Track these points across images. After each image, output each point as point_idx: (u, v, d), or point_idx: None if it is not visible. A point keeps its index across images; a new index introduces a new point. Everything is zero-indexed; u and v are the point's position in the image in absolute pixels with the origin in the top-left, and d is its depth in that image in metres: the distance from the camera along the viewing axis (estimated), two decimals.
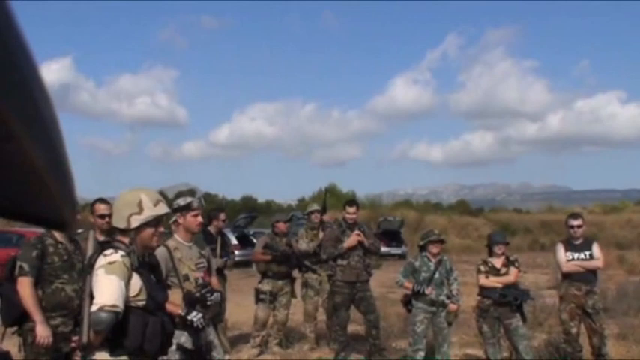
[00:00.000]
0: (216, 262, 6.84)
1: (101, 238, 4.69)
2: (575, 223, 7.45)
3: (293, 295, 8.72)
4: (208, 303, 4.77)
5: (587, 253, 7.34)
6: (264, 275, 8.59)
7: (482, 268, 7.19)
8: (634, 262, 19.02)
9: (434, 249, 7.35)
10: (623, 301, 11.30)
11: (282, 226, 8.69)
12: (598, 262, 7.38)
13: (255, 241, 14.74)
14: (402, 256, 24.55)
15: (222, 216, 8.27)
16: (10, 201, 0.75)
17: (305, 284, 9.09)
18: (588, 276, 7.31)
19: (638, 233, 26.26)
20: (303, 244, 8.92)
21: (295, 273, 8.91)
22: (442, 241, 7.59)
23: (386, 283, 13.76)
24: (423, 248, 7.49)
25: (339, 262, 8.00)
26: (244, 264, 17.33)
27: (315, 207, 9.47)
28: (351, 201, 8.78)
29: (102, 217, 5.47)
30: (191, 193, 34.65)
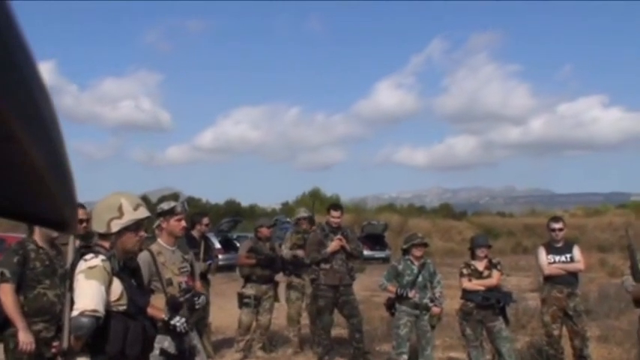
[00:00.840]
0: (200, 266, 6.82)
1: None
2: (557, 226, 7.52)
3: (276, 299, 8.72)
4: (197, 307, 4.76)
5: (569, 255, 7.40)
6: (247, 279, 8.57)
7: (465, 271, 7.22)
8: (615, 265, 19.16)
9: (417, 252, 7.37)
10: (604, 303, 11.38)
11: (265, 231, 8.67)
12: (579, 264, 7.44)
13: (238, 245, 14.69)
14: (385, 260, 24.58)
15: (205, 220, 8.23)
16: (10, 201, 0.74)
17: (289, 287, 9.09)
18: (570, 279, 7.36)
19: (620, 236, 26.44)
20: (284, 250, 8.93)
21: (279, 277, 8.91)
22: (425, 245, 7.61)
23: (369, 286, 13.76)
24: (406, 252, 7.50)
25: (322, 266, 8.00)
26: (227, 268, 17.29)
27: (303, 213, 9.48)
28: (335, 205, 8.78)
29: (80, 221, 5.42)
30: (174, 197, 34.50)
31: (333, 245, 7.95)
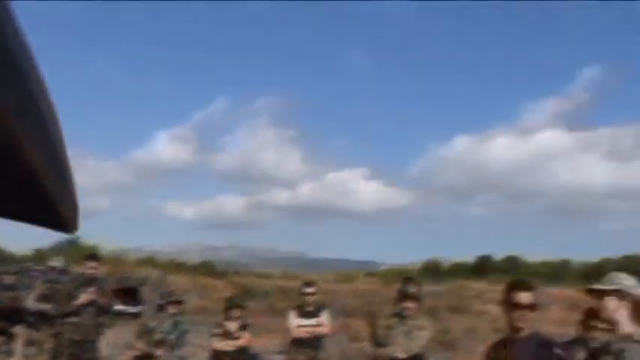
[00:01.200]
0: None
1: None
2: (309, 290, 7.86)
3: (12, 354, 8.07)
4: None
5: (317, 319, 7.74)
6: None
7: (216, 331, 7.24)
8: (358, 330, 20.29)
9: (172, 309, 7.28)
10: None
11: (7, 278, 8.07)
12: (325, 328, 7.80)
13: None
14: (136, 316, 23.82)
15: None
16: (10, 201, 0.74)
17: (28, 342, 8.47)
18: (315, 342, 7.68)
19: (365, 302, 28.11)
20: (30, 302, 8.34)
21: (18, 329, 8.27)
22: (180, 302, 7.54)
23: (118, 343, 13.22)
24: (161, 308, 7.38)
25: (70, 319, 7.58)
26: None
27: (55, 263, 8.97)
28: (92, 255, 8.42)
29: None
30: None
31: (83, 297, 7.58)
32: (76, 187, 0.82)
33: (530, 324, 4.18)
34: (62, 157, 0.76)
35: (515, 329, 4.18)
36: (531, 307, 4.13)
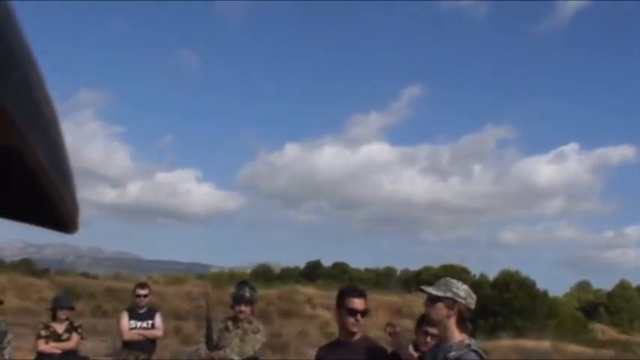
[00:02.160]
0: None
1: None
2: (142, 292, 7.69)
3: None
4: None
5: (150, 322, 7.60)
6: None
7: (43, 332, 6.92)
8: (189, 333, 20.11)
9: None
10: None
11: None
12: (158, 331, 7.68)
13: None
14: None
15: None
16: (10, 201, 0.72)
17: None
18: (148, 345, 7.54)
19: (196, 305, 27.92)
20: None
21: None
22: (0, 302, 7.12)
23: None
24: None
25: None
26: None
27: None
28: None
29: None
30: None
31: None
32: (76, 187, 0.82)
33: (362, 329, 4.41)
34: (62, 157, 0.76)
35: (349, 333, 4.38)
36: (364, 312, 4.36)
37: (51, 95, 0.75)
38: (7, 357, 6.86)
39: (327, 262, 57.77)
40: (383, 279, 52.90)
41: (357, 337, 4.37)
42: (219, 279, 41.82)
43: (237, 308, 6.58)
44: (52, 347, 6.85)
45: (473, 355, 3.73)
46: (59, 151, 0.77)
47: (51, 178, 0.75)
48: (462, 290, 3.89)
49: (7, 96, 0.66)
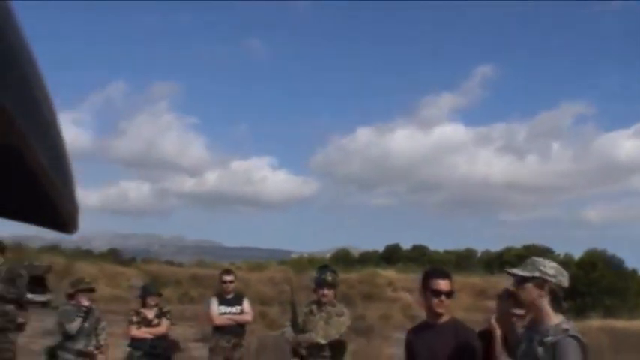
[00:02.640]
0: None
1: None
2: (228, 278, 7.82)
3: None
4: None
5: (239, 307, 7.72)
6: None
7: (134, 318, 7.12)
8: (274, 318, 20.39)
9: (83, 298, 7.08)
10: (262, 354, 12.01)
11: None
12: (247, 316, 7.81)
13: None
14: (45, 304, 23.07)
15: None
16: (10, 201, 0.73)
17: None
18: (237, 329, 7.67)
19: (279, 291, 28.25)
20: None
21: None
22: (92, 290, 7.35)
23: (27, 332, 12.79)
24: (71, 296, 7.16)
25: None
26: None
27: None
28: None
29: None
30: None
31: None
32: (76, 187, 0.81)
33: (448, 310, 4.35)
34: (62, 157, 0.76)
35: (435, 315, 4.33)
36: (449, 293, 4.30)
37: (51, 95, 0.73)
38: (102, 342, 7.09)
39: (405, 246, 57.52)
40: (463, 260, 52.28)
41: (445, 318, 4.32)
42: (300, 264, 42.17)
43: (320, 292, 6.61)
44: (143, 332, 7.05)
45: (571, 341, 3.57)
46: (59, 151, 0.77)
47: (51, 178, 0.74)
48: (550, 268, 3.74)
49: (7, 96, 0.64)
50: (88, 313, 7.04)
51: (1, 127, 0.64)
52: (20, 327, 7.71)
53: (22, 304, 7.74)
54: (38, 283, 25.54)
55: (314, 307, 6.65)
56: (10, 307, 7.48)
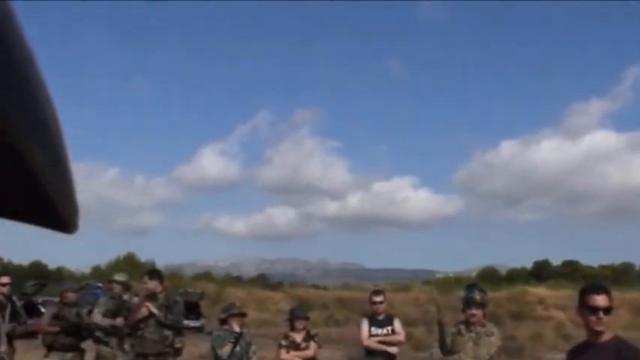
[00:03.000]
0: (5, 327, 6.37)
1: None
2: (378, 299, 7.78)
3: None
4: None
5: (390, 328, 7.67)
6: (50, 348, 8.03)
7: (283, 342, 7.24)
8: (420, 339, 20.11)
9: (235, 322, 7.29)
10: None
11: (71, 295, 8.23)
12: (400, 336, 7.74)
13: (43, 310, 13.74)
14: (199, 329, 24.05)
15: (4, 279, 7.76)
16: (10, 201, 0.73)
17: (98, 357, 8.59)
18: (388, 354, 7.60)
19: (424, 311, 27.88)
20: (98, 317, 8.45)
21: (87, 345, 8.41)
22: (243, 315, 7.55)
23: (184, 357, 13.35)
24: (223, 321, 7.40)
25: (137, 333, 7.68)
26: (30, 335, 16.02)
27: (118, 277, 9.06)
28: (151, 271, 8.51)
29: None
30: None
31: (141, 311, 7.65)
32: (76, 187, 0.80)
33: (609, 327, 4.09)
34: (62, 157, 0.76)
35: (594, 333, 4.08)
36: (607, 310, 4.04)
37: (51, 95, 0.72)
38: None
39: (555, 261, 55.18)
40: (620, 275, 49.45)
41: (606, 337, 4.06)
42: (446, 284, 41.48)
43: (469, 312, 6.43)
44: (293, 356, 7.16)
45: None
46: (59, 151, 0.76)
47: (51, 178, 0.73)
48: None
49: (7, 96, 0.64)
50: (238, 338, 7.24)
51: (1, 127, 0.64)
52: (178, 352, 8.06)
53: (179, 330, 8.09)
54: (192, 309, 26.71)
55: (462, 327, 6.48)
56: (168, 332, 7.84)
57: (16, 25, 0.65)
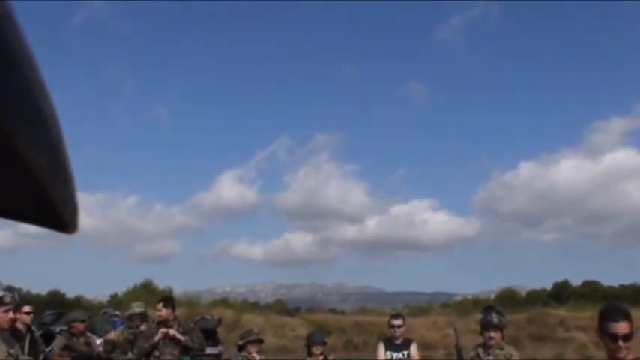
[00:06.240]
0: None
1: None
2: (397, 322, 7.75)
3: None
4: None
5: (406, 352, 7.63)
6: None
7: None
8: None
9: (252, 349, 7.29)
10: None
11: (79, 326, 8.28)
12: None
13: None
14: (217, 356, 23.96)
15: (26, 308, 7.78)
16: (10, 201, 0.73)
17: None
18: None
19: (444, 334, 27.65)
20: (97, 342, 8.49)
21: None
22: (261, 341, 7.55)
23: None
24: (241, 348, 7.40)
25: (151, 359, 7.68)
26: None
27: (136, 308, 9.08)
28: (163, 298, 8.50)
29: None
30: None
31: (159, 335, 7.66)
32: (76, 187, 0.81)
33: (633, 351, 3.96)
34: (62, 157, 0.76)
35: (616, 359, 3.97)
36: (627, 336, 3.84)
37: (51, 95, 0.73)
38: None
39: (574, 282, 54.57)
40: None
41: (629, 358, 3.95)
42: (464, 306, 41.08)
43: (487, 335, 6.40)
44: None
45: None
46: (59, 151, 0.76)
47: (51, 178, 0.73)
48: None
49: (7, 97, 0.64)
50: None
51: (2, 128, 0.64)
52: None
53: (199, 357, 8.08)
54: (210, 336, 26.61)
55: (480, 350, 6.45)
56: (187, 358, 7.84)
57: (16, 26, 0.65)
